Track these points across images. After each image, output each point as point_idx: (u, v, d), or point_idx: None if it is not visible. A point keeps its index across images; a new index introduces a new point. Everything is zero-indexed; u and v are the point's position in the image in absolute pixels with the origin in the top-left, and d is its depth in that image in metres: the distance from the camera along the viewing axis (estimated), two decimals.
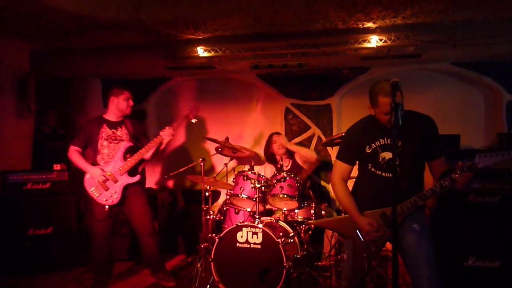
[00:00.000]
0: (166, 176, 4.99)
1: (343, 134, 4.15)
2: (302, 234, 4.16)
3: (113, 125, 3.93)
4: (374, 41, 4.40)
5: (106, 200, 3.75)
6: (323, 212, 4.26)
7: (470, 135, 5.23)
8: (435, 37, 4.38)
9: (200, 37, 4.59)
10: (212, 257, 3.74)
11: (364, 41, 4.45)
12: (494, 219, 3.23)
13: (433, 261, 2.50)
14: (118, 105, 3.93)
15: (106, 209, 3.76)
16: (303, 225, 4.20)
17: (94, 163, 3.83)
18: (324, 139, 5.74)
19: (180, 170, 4.69)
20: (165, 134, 3.82)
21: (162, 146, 3.96)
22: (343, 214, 3.07)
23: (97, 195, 3.75)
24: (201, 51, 4.81)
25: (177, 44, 4.78)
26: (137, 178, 3.86)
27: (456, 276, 3.24)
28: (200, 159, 4.32)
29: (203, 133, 6.11)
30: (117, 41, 4.71)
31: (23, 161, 5.00)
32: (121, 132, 3.92)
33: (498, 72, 5.24)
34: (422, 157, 2.66)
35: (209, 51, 4.81)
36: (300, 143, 5.77)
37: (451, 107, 5.42)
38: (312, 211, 4.17)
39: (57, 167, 4.57)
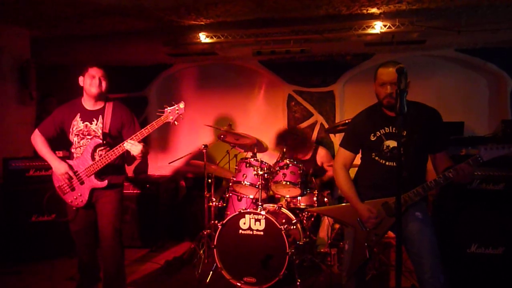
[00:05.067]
0: (168, 163, 4.97)
1: (347, 121, 4.16)
2: (304, 221, 4.17)
3: (88, 116, 3.29)
4: (378, 27, 4.35)
5: (71, 202, 3.29)
6: (325, 199, 4.26)
7: (474, 122, 5.22)
8: (440, 23, 4.32)
9: (202, 23, 4.54)
10: (215, 243, 3.75)
11: (368, 27, 4.40)
12: (498, 207, 3.21)
13: (435, 248, 2.49)
14: (84, 87, 3.26)
15: (74, 209, 3.34)
16: (306, 212, 4.20)
17: (69, 154, 3.42)
18: (326, 126, 5.72)
19: (182, 157, 4.68)
20: (129, 146, 3.10)
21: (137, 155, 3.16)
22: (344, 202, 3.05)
23: (63, 194, 3.32)
24: (203, 37, 4.77)
25: (179, 30, 4.73)
26: (105, 183, 3.22)
27: (458, 263, 3.24)
28: (203, 145, 4.31)
29: (205, 120, 6.10)
30: (118, 27, 4.67)
31: (25, 148, 5.00)
32: (97, 126, 3.27)
33: (503, 58, 5.20)
34: (426, 149, 2.65)
35: (211, 37, 4.76)
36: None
37: (455, 94, 5.39)
38: (315, 198, 4.17)
39: (59, 153, 4.51)
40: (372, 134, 2.63)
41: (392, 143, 2.59)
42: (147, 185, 5.00)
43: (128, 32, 4.81)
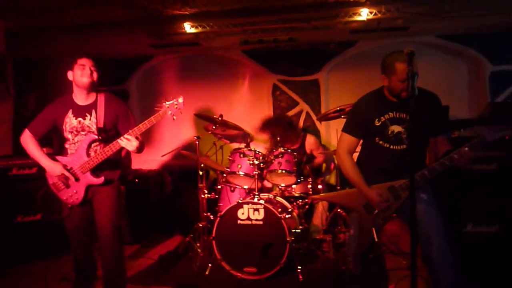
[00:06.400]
0: (161, 156, 4.88)
1: (338, 108, 4.19)
2: (300, 209, 4.19)
3: (80, 112, 3.15)
4: (364, 14, 4.39)
5: (67, 199, 3.20)
6: (319, 186, 4.28)
7: (455, 106, 5.32)
8: (424, 9, 4.39)
9: (187, 12, 4.46)
10: (213, 235, 3.72)
11: (355, 14, 4.43)
12: (491, 186, 3.32)
13: (443, 229, 2.55)
14: (75, 79, 3.12)
15: (69, 206, 3.24)
16: (300, 200, 4.22)
17: (62, 150, 3.28)
18: (312, 114, 5.74)
19: (173, 150, 4.61)
20: (124, 143, 3.01)
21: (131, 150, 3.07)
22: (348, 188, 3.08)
23: (57, 191, 3.23)
24: (188, 27, 4.68)
25: (162, 20, 4.63)
26: (101, 180, 3.12)
27: (456, 243, 3.32)
28: (195, 137, 4.25)
29: (188, 113, 6.02)
30: (99, 17, 4.53)
31: (3, 146, 4.82)
32: (90, 121, 3.15)
33: (482, 43, 5.33)
34: (428, 132, 2.70)
35: (197, 27, 4.68)
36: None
37: (436, 79, 5.47)
38: (310, 186, 4.19)
39: (43, 151, 4.38)
40: (377, 119, 2.65)
41: (397, 128, 2.63)
42: (136, 180, 4.90)
43: (110, 23, 4.68)
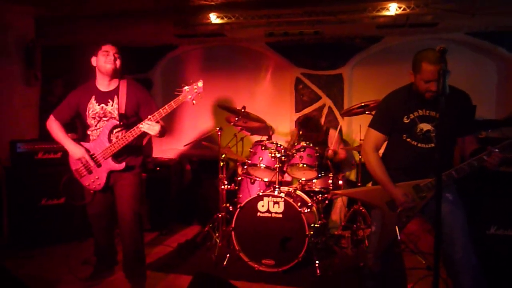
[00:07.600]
0: (183, 146, 4.91)
1: (362, 104, 4.15)
2: (319, 204, 4.18)
3: (103, 98, 3.20)
4: (393, 8, 4.31)
5: (89, 185, 3.25)
6: (340, 182, 4.26)
7: (482, 105, 5.18)
8: (454, 5, 4.28)
9: (213, 3, 4.44)
10: (233, 226, 3.74)
11: (383, 9, 4.35)
12: None
13: (467, 230, 2.52)
14: (98, 65, 3.18)
15: (91, 192, 3.31)
16: (320, 195, 4.21)
17: (84, 136, 3.34)
18: (335, 109, 5.69)
19: (196, 140, 4.63)
20: (146, 127, 3.04)
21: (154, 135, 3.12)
22: (370, 185, 3.05)
23: (80, 177, 3.28)
24: (214, 18, 4.69)
25: (188, 10, 4.63)
26: (122, 165, 3.17)
27: (478, 245, 3.26)
28: (217, 128, 4.26)
29: (210, 103, 6.07)
30: (126, 6, 4.54)
31: (30, 131, 4.92)
32: (112, 107, 3.19)
33: None
34: (457, 132, 2.65)
35: (222, 18, 4.68)
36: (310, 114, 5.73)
37: (463, 78, 5.31)
38: (330, 181, 4.17)
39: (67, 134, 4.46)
40: (406, 117, 2.61)
41: (425, 126, 2.58)
42: (157, 168, 4.95)
43: (137, 12, 4.69)
